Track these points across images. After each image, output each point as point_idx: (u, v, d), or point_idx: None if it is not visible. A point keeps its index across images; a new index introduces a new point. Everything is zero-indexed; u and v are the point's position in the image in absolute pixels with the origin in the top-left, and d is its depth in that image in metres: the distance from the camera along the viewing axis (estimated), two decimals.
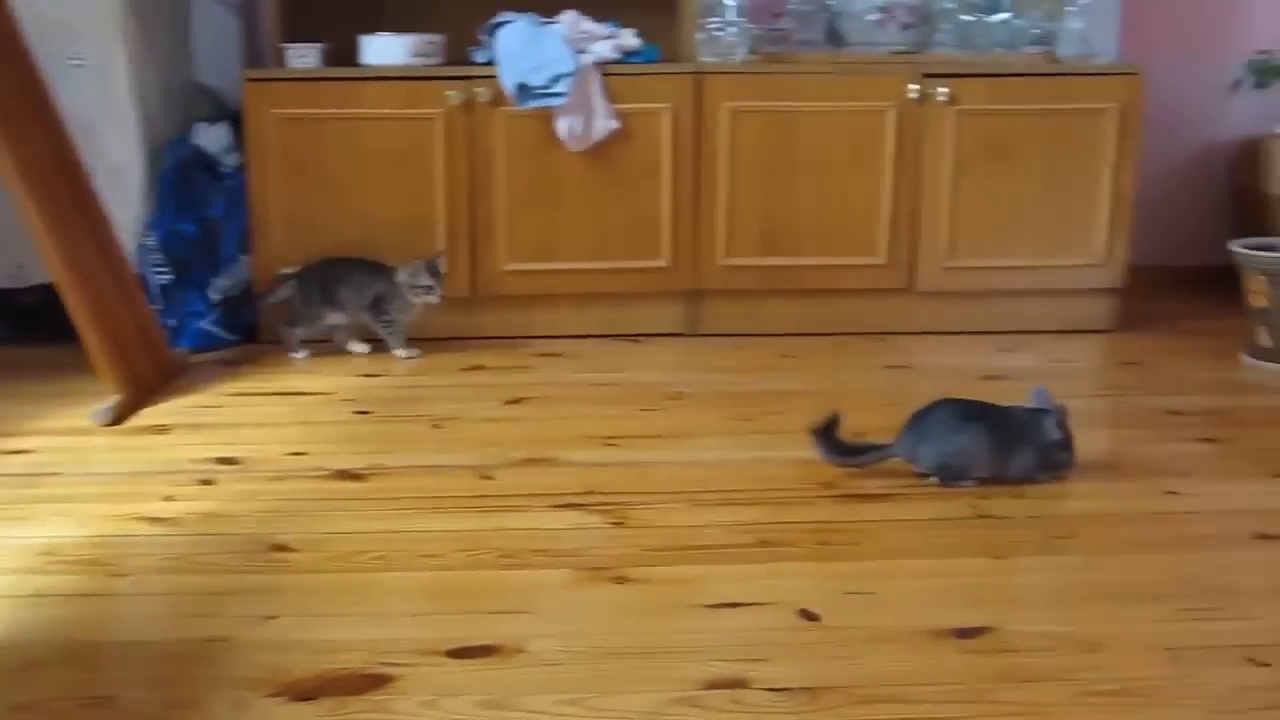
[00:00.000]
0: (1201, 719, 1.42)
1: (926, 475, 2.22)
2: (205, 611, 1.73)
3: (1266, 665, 1.55)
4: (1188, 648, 1.59)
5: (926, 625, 1.66)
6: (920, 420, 2.23)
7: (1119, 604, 1.73)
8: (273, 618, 1.70)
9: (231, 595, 1.78)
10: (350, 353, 3.18)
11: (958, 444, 2.19)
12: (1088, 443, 2.32)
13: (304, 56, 3.26)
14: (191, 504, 2.14)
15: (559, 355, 3.23)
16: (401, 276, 3.11)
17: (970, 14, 3.57)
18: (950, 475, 2.20)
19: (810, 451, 2.27)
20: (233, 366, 3.10)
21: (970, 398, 2.26)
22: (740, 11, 3.33)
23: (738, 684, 1.50)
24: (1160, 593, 1.77)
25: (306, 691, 1.49)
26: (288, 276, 3.18)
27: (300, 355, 3.14)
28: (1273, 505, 2.13)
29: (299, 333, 3.15)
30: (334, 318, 3.16)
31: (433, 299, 3.12)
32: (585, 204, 3.30)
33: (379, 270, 3.13)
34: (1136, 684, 1.50)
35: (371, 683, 1.52)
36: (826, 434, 2.27)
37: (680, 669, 1.54)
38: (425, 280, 3.10)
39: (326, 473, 2.31)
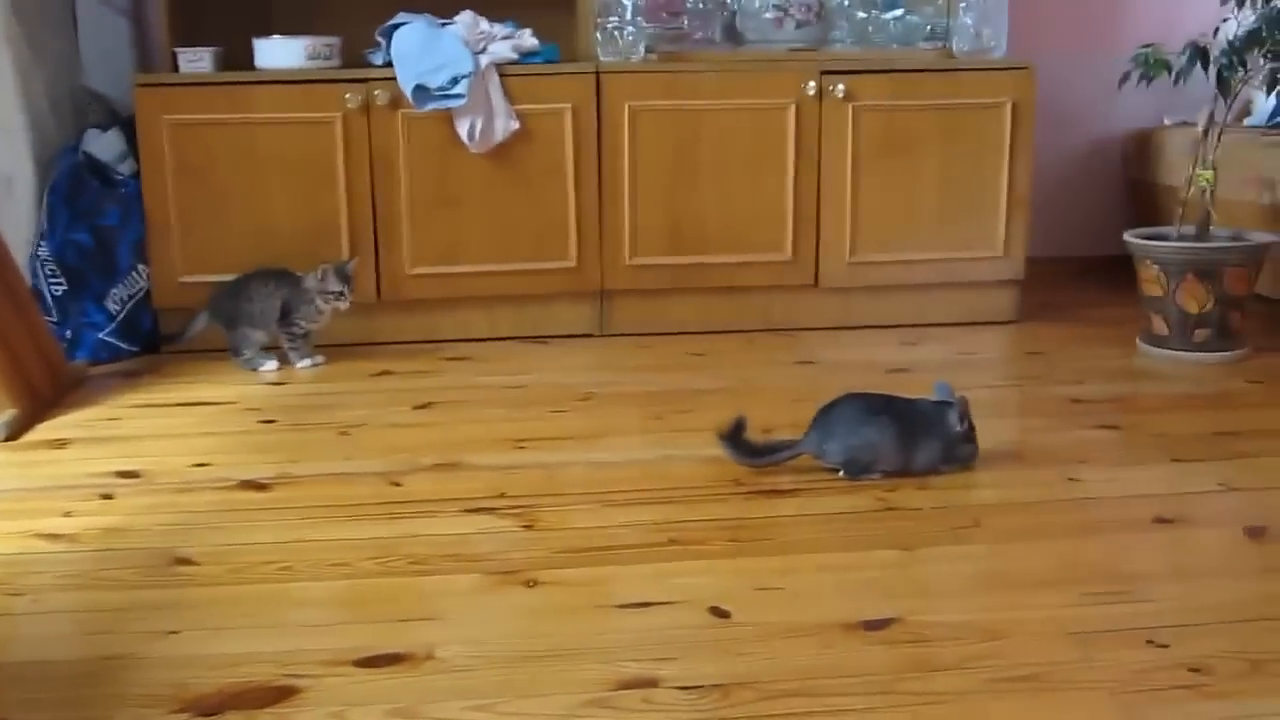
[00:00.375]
0: (1104, 701, 1.45)
1: (835, 470, 2.24)
2: (106, 629, 1.69)
3: (1166, 646, 1.58)
4: (1091, 632, 1.62)
5: (836, 618, 1.67)
6: (826, 416, 2.25)
7: (1024, 591, 1.76)
8: (175, 633, 1.66)
9: (132, 611, 1.74)
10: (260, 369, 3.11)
11: (863, 438, 2.21)
12: (992, 432, 2.36)
13: (196, 61, 3.21)
14: (91, 519, 2.09)
15: (468, 359, 3.20)
16: (310, 283, 3.06)
17: (866, 11, 3.62)
18: (857, 469, 2.22)
19: (719, 449, 2.27)
20: (133, 378, 3.03)
21: (875, 392, 2.28)
22: (638, 10, 3.33)
23: (649, 684, 1.50)
24: (1063, 578, 1.80)
25: (210, 707, 1.46)
26: (197, 314, 3.14)
27: (269, 366, 3.08)
28: (1171, 489, 2.18)
29: (248, 354, 3.09)
30: (257, 336, 3.10)
31: (343, 305, 3.08)
32: (489, 206, 3.28)
33: (283, 278, 3.08)
34: (1041, 669, 1.52)
35: (277, 695, 1.49)
36: (734, 438, 2.28)
37: (591, 671, 1.53)
38: (335, 285, 3.05)
39: (231, 483, 2.27)
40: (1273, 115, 3.62)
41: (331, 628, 1.68)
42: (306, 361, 3.10)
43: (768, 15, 3.50)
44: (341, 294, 3.07)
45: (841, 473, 2.23)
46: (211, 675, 1.54)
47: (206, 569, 1.88)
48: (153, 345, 3.26)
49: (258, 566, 1.89)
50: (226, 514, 2.12)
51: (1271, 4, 2.92)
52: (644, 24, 3.36)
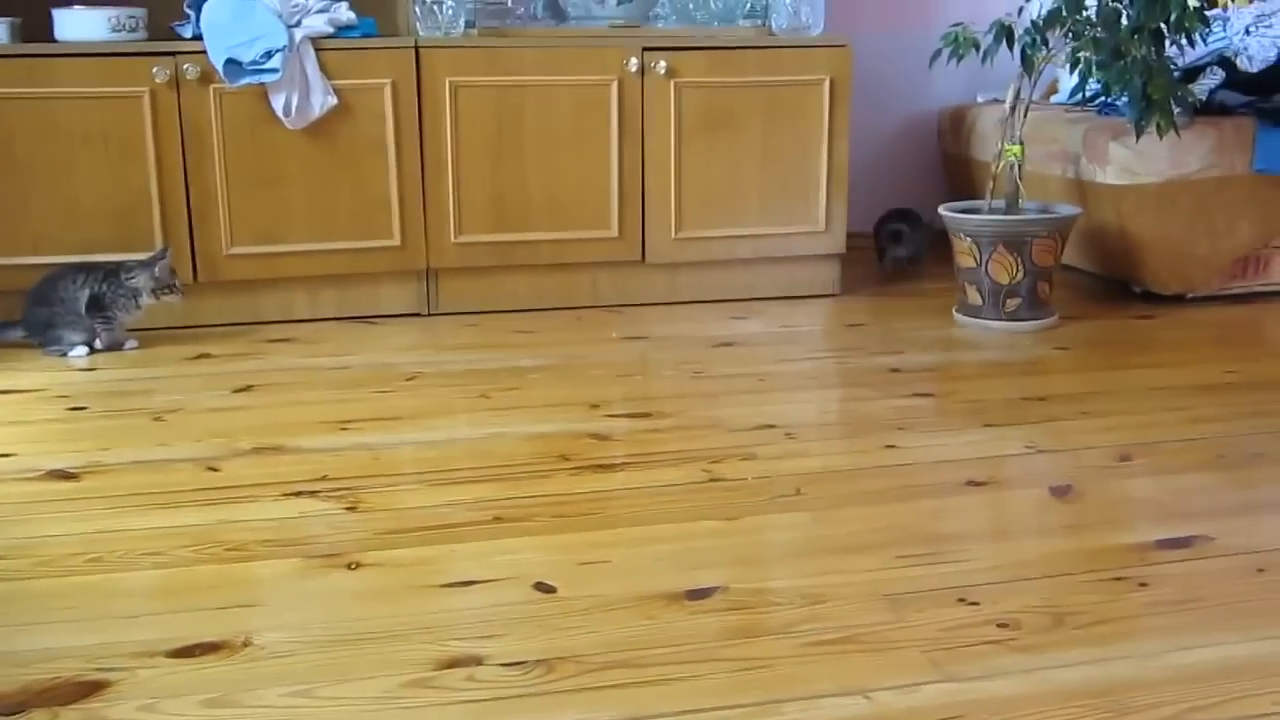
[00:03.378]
0: (918, 658, 1.49)
1: None
2: None
3: (976, 604, 1.63)
4: (904, 593, 1.67)
5: (659, 589, 1.68)
6: None
7: (841, 556, 1.80)
8: None
9: None
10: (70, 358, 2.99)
11: None
12: (815, 403, 2.40)
13: None
14: None
15: (291, 340, 3.13)
16: (138, 282, 2.96)
17: None
18: None
19: (546, 425, 2.27)
20: None
21: None
22: None
23: (473, 661, 1.49)
24: (879, 542, 1.85)
25: (12, 705, 1.40)
26: (11, 324, 3.02)
27: (79, 352, 2.96)
28: (983, 454, 2.25)
29: (63, 345, 2.97)
30: (73, 335, 2.97)
31: (176, 297, 3.01)
32: (310, 184, 3.21)
33: (89, 271, 2.96)
34: (857, 631, 1.56)
35: (85, 690, 1.43)
36: None
37: (414, 651, 1.52)
38: (169, 279, 2.99)
39: (37, 474, 2.17)
40: (1074, 92, 3.77)
41: (144, 619, 1.63)
42: (130, 345, 3.01)
43: None
44: (174, 287, 2.99)
45: None
46: (15, 672, 1.48)
47: (10, 563, 1.80)
48: None
49: (66, 559, 1.81)
50: (32, 505, 2.03)
51: None
52: None
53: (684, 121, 3.37)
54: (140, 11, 3.17)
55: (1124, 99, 3.12)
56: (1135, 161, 3.23)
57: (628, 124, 3.35)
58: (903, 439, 2.33)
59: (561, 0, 3.58)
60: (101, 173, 3.10)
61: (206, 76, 3.09)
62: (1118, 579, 1.72)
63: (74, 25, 3.10)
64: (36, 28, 3.16)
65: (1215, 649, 1.52)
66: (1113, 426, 2.40)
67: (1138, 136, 3.06)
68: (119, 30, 3.11)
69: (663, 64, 3.31)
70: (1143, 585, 1.70)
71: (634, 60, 3.30)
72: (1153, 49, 2.95)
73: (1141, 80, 2.95)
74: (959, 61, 3.16)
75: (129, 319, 3.01)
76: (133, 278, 2.96)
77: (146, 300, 2.98)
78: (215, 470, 2.19)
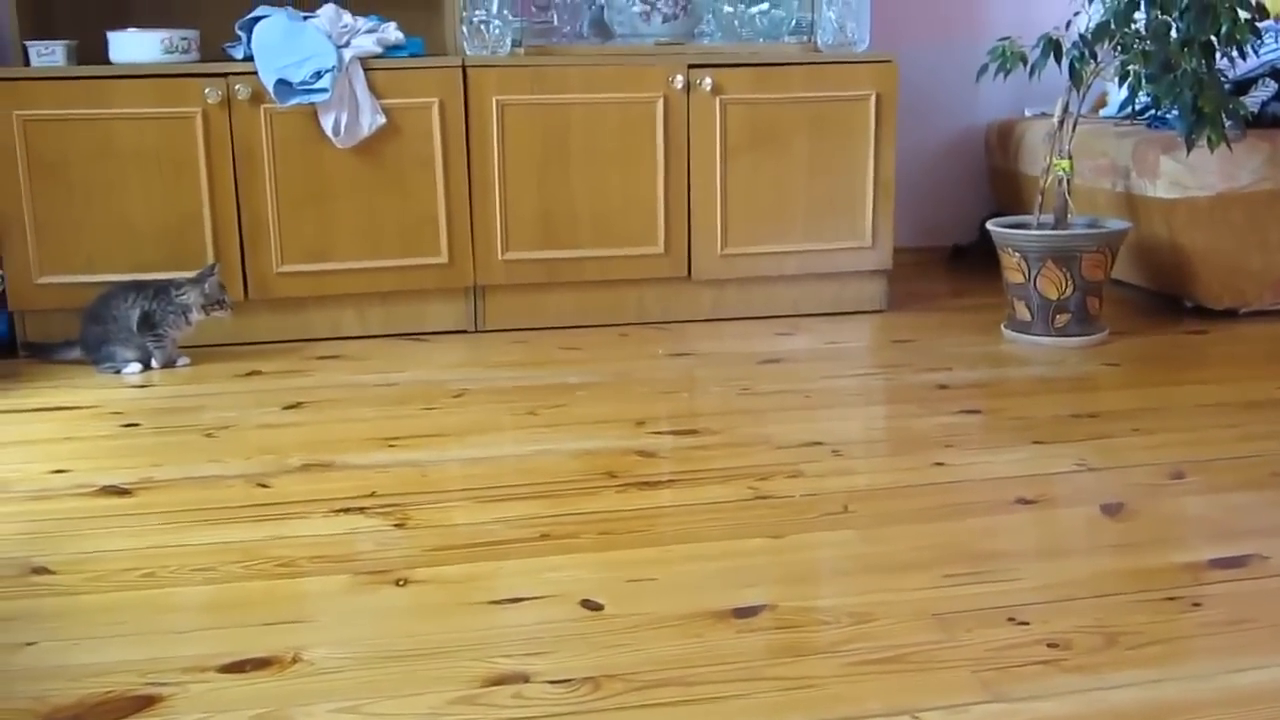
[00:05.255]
0: (967, 679, 1.48)
1: None
2: None
3: (1026, 624, 1.62)
4: (953, 612, 1.66)
5: (706, 607, 1.68)
6: None
7: (889, 575, 1.79)
8: (32, 644, 1.61)
9: None
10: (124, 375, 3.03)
11: None
12: (862, 419, 2.39)
13: (48, 54, 3.11)
14: None
15: (339, 357, 3.16)
16: (189, 299, 3.00)
17: (732, 5, 3.65)
18: None
19: (593, 442, 2.27)
20: None
21: None
22: (504, 4, 3.31)
23: (520, 679, 1.49)
24: (928, 561, 1.84)
25: (68, 719, 1.42)
26: (69, 343, 3.07)
27: (133, 369, 3.01)
28: (1033, 471, 2.23)
29: (116, 362, 3.01)
30: (126, 353, 3.01)
31: (225, 312, 3.05)
32: (358, 202, 3.24)
33: (142, 289, 3.01)
34: (906, 650, 1.55)
35: (138, 705, 1.45)
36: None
37: (462, 668, 1.52)
38: (219, 295, 3.02)
39: (91, 489, 2.20)
40: (1123, 106, 3.74)
41: (195, 634, 1.65)
42: (182, 362, 3.05)
43: (635, 9, 3.51)
44: (223, 302, 3.03)
45: None
46: (70, 687, 1.50)
47: (65, 578, 1.83)
48: (9, 349, 3.16)
49: (119, 574, 1.84)
50: (86, 521, 2.06)
51: None
52: (511, 18, 3.34)
53: (729, 138, 3.38)
54: (193, 33, 3.21)
55: (1174, 112, 3.09)
56: (1186, 175, 3.20)
57: (673, 141, 3.35)
58: (951, 456, 2.32)
59: (607, 19, 3.60)
60: (155, 192, 3.14)
61: (257, 97, 3.13)
62: (1170, 599, 1.70)
63: (128, 47, 3.15)
64: (92, 50, 3.22)
65: (1270, 670, 1.50)
66: (1164, 443, 2.37)
67: (1189, 150, 3.03)
68: (172, 52, 3.16)
69: (708, 81, 3.32)
70: (1196, 605, 1.68)
71: (679, 77, 3.31)
72: (1203, 61, 2.92)
73: (1192, 93, 2.92)
74: (1006, 76, 3.14)
75: (180, 336, 3.05)
76: (183, 294, 3.00)
77: (197, 316, 3.02)
78: (265, 486, 2.21)
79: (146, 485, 2.22)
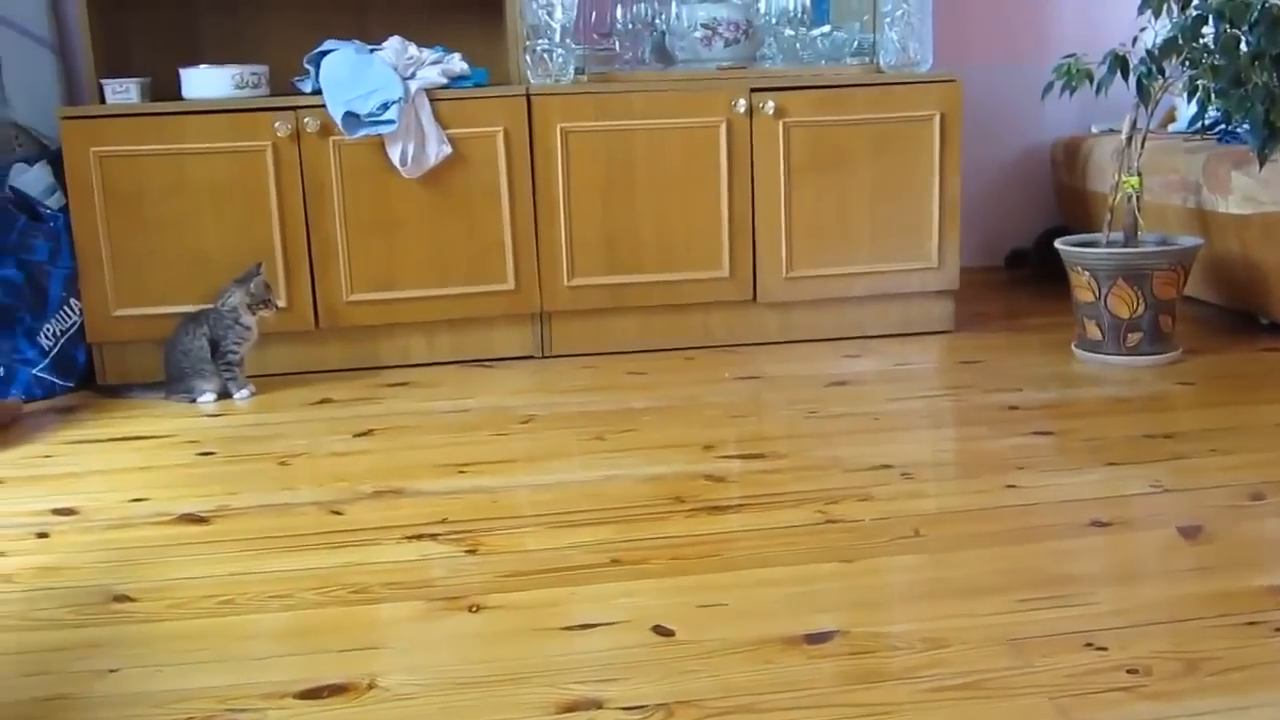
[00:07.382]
0: (1044, 706, 1.46)
1: None
2: (42, 669, 1.66)
3: (1104, 649, 1.60)
4: (1029, 637, 1.64)
5: (778, 633, 1.67)
6: None
7: (963, 599, 1.77)
8: (114, 671, 1.64)
9: (70, 651, 1.71)
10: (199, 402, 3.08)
11: None
12: (931, 441, 2.38)
13: (122, 92, 3.18)
14: (26, 558, 2.06)
15: (408, 384, 3.19)
16: (234, 300, 3.03)
17: (793, 28, 3.65)
18: None
19: (661, 467, 2.27)
20: (68, 413, 2.99)
21: None
22: (567, 32, 3.34)
23: (593, 705, 1.50)
24: (1001, 585, 1.82)
25: None
26: (152, 385, 3.12)
27: (207, 398, 3.05)
28: (1107, 493, 2.21)
29: (193, 393, 3.06)
30: (204, 384, 3.06)
31: (271, 312, 3.08)
32: (425, 231, 3.27)
33: (201, 316, 3.05)
34: (981, 677, 1.54)
35: None
36: None
37: (535, 694, 1.53)
38: (264, 294, 3.05)
39: (169, 518, 2.24)
40: (1193, 121, 3.69)
41: (273, 660, 1.67)
42: (244, 392, 3.08)
43: (697, 35, 3.52)
44: (268, 301, 3.06)
45: None
46: (153, 713, 1.52)
47: (146, 605, 1.86)
48: (88, 380, 3.23)
49: (198, 601, 1.87)
50: (165, 549, 2.10)
51: (1186, 13, 2.98)
52: (573, 46, 3.37)
53: (793, 160, 3.38)
54: (262, 69, 3.27)
55: (1245, 126, 3.05)
56: (1259, 190, 3.16)
57: (737, 164, 3.36)
58: (1023, 478, 2.30)
59: (669, 45, 3.62)
60: (227, 224, 3.20)
61: (326, 129, 3.18)
62: (1251, 623, 1.67)
63: (200, 83, 3.22)
64: (165, 87, 3.29)
65: None
66: (1242, 464, 2.33)
67: (1261, 165, 2.98)
68: (243, 87, 3.22)
69: (771, 104, 3.33)
70: (1278, 630, 1.64)
71: (742, 101, 3.32)
72: (1274, 75, 2.88)
73: (1264, 107, 2.88)
74: (1072, 94, 3.12)
75: (246, 348, 3.08)
76: (230, 297, 3.03)
77: (246, 319, 3.04)
78: (338, 514, 2.24)
79: (223, 513, 2.26)
